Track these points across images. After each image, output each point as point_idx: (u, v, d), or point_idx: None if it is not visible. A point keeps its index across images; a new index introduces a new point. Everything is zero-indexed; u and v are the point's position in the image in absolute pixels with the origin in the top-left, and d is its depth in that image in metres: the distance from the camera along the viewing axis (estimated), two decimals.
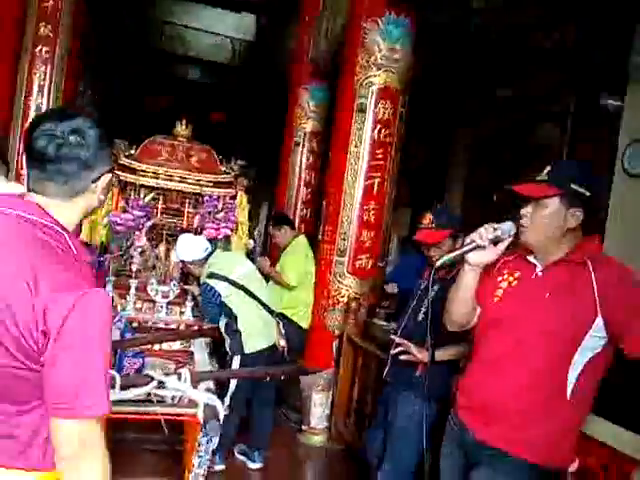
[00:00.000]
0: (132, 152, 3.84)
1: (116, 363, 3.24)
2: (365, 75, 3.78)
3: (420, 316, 2.31)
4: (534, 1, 3.65)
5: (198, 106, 8.85)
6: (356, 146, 3.80)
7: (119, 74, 8.01)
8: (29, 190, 1.06)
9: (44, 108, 5.08)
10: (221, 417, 2.14)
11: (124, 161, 3.76)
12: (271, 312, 3.15)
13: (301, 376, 3.71)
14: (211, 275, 2.97)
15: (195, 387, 2.20)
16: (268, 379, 3.09)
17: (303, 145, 5.68)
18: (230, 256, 3.22)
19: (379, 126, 3.79)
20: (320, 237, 4.02)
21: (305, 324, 3.92)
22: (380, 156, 3.82)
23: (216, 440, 2.98)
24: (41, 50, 5.05)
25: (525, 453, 1.54)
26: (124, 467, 2.82)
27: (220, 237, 3.61)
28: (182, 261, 3.25)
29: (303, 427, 3.64)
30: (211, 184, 3.95)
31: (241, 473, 3.09)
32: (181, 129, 4.12)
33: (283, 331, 3.22)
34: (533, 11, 3.70)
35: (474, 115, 5.94)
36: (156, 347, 3.45)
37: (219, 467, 3.02)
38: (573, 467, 1.63)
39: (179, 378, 2.15)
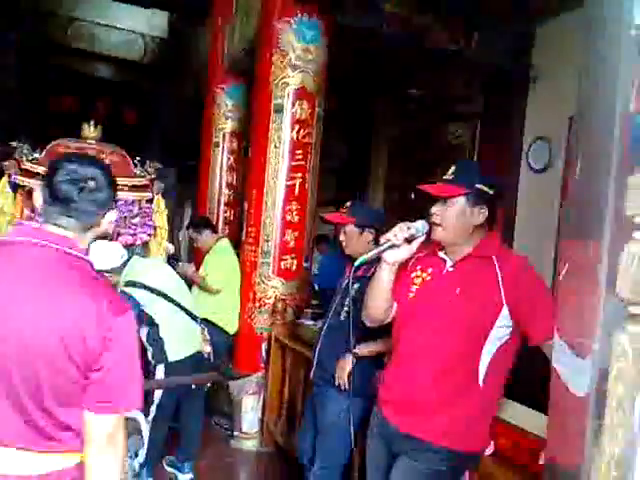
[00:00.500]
0: (36, 156, 3.61)
1: None
2: (281, 76, 3.78)
3: (343, 315, 2.35)
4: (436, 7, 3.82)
5: (109, 105, 8.48)
6: (276, 146, 3.79)
7: (18, 72, 7.47)
8: (46, 222, 1.25)
9: None
10: (144, 431, 2.06)
11: (27, 166, 3.53)
12: (194, 318, 3.08)
13: (230, 381, 3.67)
14: (128, 283, 2.85)
15: None
16: (195, 386, 3.02)
17: (223, 146, 5.60)
18: (148, 262, 3.10)
19: (297, 126, 3.81)
20: (243, 239, 3.98)
21: (231, 329, 3.86)
22: (300, 156, 3.83)
23: (142, 454, 2.90)
24: None
25: (444, 440, 1.61)
26: None
27: (137, 243, 3.47)
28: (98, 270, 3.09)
29: (235, 432, 3.60)
30: (126, 188, 3.78)
31: None
32: (89, 131, 3.92)
33: (208, 337, 3.16)
34: (438, 16, 3.87)
35: (390, 115, 6.12)
36: None
37: None
38: (489, 450, 1.73)
39: None
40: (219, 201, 5.58)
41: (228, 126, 5.57)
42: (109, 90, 8.40)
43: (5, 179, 3.40)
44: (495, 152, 4.46)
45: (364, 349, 2.26)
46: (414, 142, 5.73)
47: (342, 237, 2.45)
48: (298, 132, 3.82)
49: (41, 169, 3.57)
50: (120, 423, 1.24)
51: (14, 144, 3.52)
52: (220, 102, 5.59)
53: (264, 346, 3.66)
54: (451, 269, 1.70)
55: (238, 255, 4.04)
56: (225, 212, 5.56)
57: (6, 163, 3.45)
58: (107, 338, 1.18)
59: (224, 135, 5.59)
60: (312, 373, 2.49)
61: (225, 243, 4.10)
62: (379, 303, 1.80)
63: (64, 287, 1.20)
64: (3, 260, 1.21)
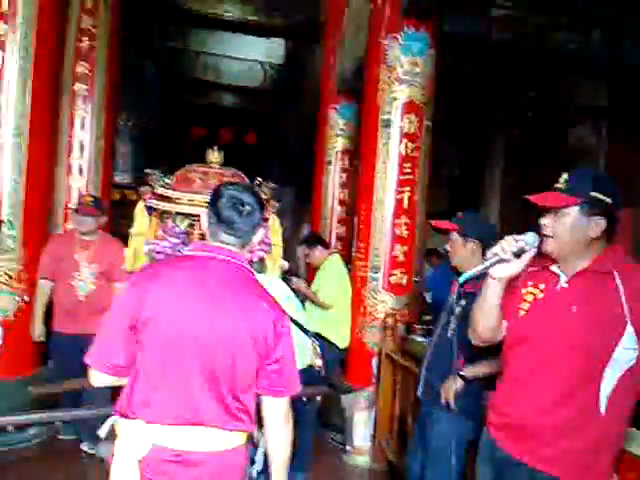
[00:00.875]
0: (168, 181, 3.98)
1: None
2: (389, 91, 3.80)
3: (449, 332, 2.28)
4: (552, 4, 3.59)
5: (233, 131, 9.11)
6: (384, 162, 3.81)
7: (157, 105, 8.33)
8: (214, 240, 1.50)
9: (87, 144, 5.35)
10: (256, 439, 2.15)
11: (160, 191, 3.90)
12: (306, 332, 3.16)
13: (342, 396, 3.70)
14: None
15: None
16: (305, 399, 3.09)
17: (335, 164, 5.73)
18: (263, 278, 3.24)
19: (405, 140, 3.79)
20: (354, 254, 4.03)
21: (341, 343, 3.91)
22: (409, 170, 3.81)
23: (259, 462, 3.02)
24: (80, 88, 5.32)
25: (555, 470, 1.49)
26: None
27: (255, 259, 3.67)
28: None
29: (347, 447, 3.62)
30: None
31: None
32: (213, 156, 4.24)
33: (319, 351, 3.22)
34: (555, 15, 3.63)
35: (506, 121, 5.84)
36: None
37: None
38: None
39: None
40: (332, 218, 5.71)
41: (339, 144, 5.70)
42: (232, 116, 9.02)
43: (141, 203, 3.79)
44: (625, 153, 4.05)
45: (471, 370, 2.17)
46: (533, 148, 5.41)
47: (448, 246, 2.39)
48: (406, 146, 3.80)
49: (171, 193, 3.95)
50: (289, 405, 1.53)
51: (148, 171, 3.94)
52: (332, 121, 5.75)
53: (375, 361, 3.65)
54: (565, 285, 1.58)
55: (349, 270, 4.10)
56: (338, 228, 5.67)
57: (141, 189, 3.86)
58: (280, 333, 1.45)
59: (336, 153, 5.73)
60: (419, 391, 2.43)
61: (336, 259, 4.18)
62: (486, 322, 1.72)
63: (247, 293, 1.47)
64: (193, 272, 1.45)
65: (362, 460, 3.54)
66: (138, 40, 7.15)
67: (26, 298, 3.45)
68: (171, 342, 1.38)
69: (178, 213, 3.89)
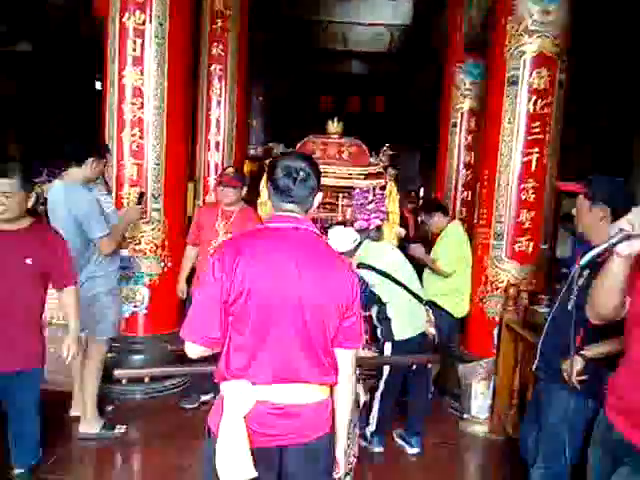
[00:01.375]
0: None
1: None
2: (516, 45, 3.52)
3: (570, 305, 2.12)
4: None
5: (361, 98, 9.10)
6: (510, 122, 3.57)
7: (287, 78, 8.60)
8: (278, 210, 1.60)
9: (222, 121, 5.75)
10: (361, 403, 2.24)
11: None
12: (420, 300, 3.16)
13: (460, 364, 3.65)
14: (360, 265, 3.08)
15: None
16: (420, 366, 3.11)
17: (460, 125, 5.49)
18: (378, 246, 3.29)
19: (534, 97, 3.51)
20: (475, 221, 3.87)
21: (457, 312, 3.83)
22: (537, 130, 3.53)
23: (373, 424, 3.13)
24: (215, 68, 5.71)
25: None
26: None
27: (371, 227, 3.71)
28: None
29: (464, 416, 3.58)
30: (362, 177, 4.08)
31: (399, 457, 3.18)
32: (333, 127, 4.33)
33: (433, 319, 3.20)
34: None
35: None
36: None
37: (377, 449, 3.15)
38: None
39: None
40: (457, 182, 5.51)
41: (466, 105, 5.45)
42: (360, 84, 9.00)
43: (265, 176, 4.01)
44: None
45: (592, 350, 2.01)
46: None
47: (573, 211, 2.21)
48: (535, 103, 3.51)
49: None
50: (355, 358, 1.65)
51: (270, 145, 4.15)
52: (458, 81, 5.49)
53: (495, 331, 3.52)
54: None
55: (471, 238, 3.96)
56: (462, 193, 5.46)
57: (267, 162, 4.08)
58: (354, 292, 1.58)
59: (461, 114, 5.48)
60: (535, 365, 2.32)
61: (456, 226, 4.06)
62: (607, 299, 1.58)
63: (326, 257, 1.59)
64: (278, 240, 1.55)
65: (479, 429, 3.48)
66: (267, 14, 7.41)
67: (169, 263, 3.89)
68: (267, 310, 1.49)
69: None
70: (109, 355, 3.36)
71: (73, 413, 3.32)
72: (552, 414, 2.16)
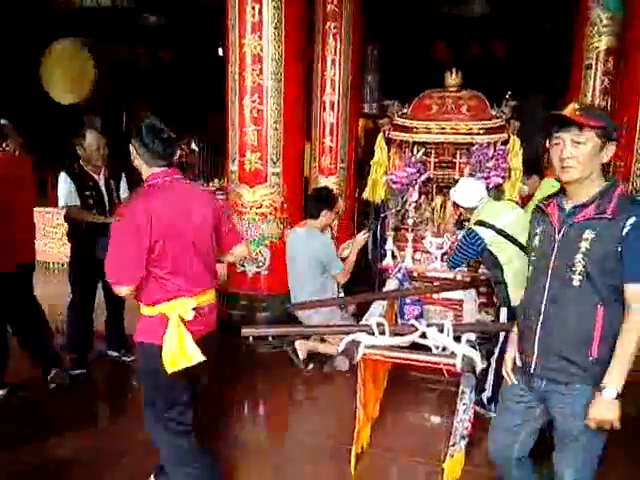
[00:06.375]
0: (405, 111, 4.06)
1: (398, 309, 3.64)
2: None
3: None
4: None
5: (480, 43, 8.50)
6: None
7: (400, 28, 8.27)
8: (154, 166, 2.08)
9: (336, 80, 5.75)
10: (478, 369, 2.23)
11: (398, 121, 4.01)
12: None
13: None
14: (478, 222, 2.96)
15: (459, 338, 2.34)
16: None
17: (595, 67, 4.95)
18: (499, 205, 3.14)
19: None
20: (610, 174, 3.53)
21: None
22: None
23: (489, 389, 3.09)
24: (330, 26, 5.67)
25: None
26: (407, 402, 3.23)
27: (490, 186, 3.55)
28: (456, 204, 3.25)
29: None
30: (482, 131, 3.87)
31: None
32: (451, 79, 4.12)
33: None
34: None
35: None
36: (434, 295, 3.72)
37: (494, 415, 3.11)
38: None
39: (441, 330, 2.31)
40: None
41: (603, 43, 4.89)
42: (479, 27, 8.40)
43: (381, 135, 3.97)
44: None
45: None
46: None
47: None
48: None
49: (409, 123, 4.02)
50: None
51: (386, 102, 4.07)
52: (593, 17, 4.92)
53: None
54: None
55: None
56: None
57: (381, 121, 4.03)
58: (219, 210, 2.20)
59: (598, 54, 4.94)
60: None
61: (550, 180, 3.68)
62: None
63: (195, 194, 2.14)
64: (166, 192, 2.04)
65: None
66: None
67: (288, 225, 4.08)
68: (176, 244, 2.00)
69: (415, 142, 3.97)
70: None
71: None
72: None
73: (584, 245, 1.60)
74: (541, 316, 1.69)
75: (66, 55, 7.84)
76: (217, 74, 4.89)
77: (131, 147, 2.04)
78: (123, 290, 1.96)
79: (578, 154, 1.60)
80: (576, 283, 1.61)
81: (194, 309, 2.02)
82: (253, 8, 3.78)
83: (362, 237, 3.80)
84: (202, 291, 2.09)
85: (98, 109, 8.99)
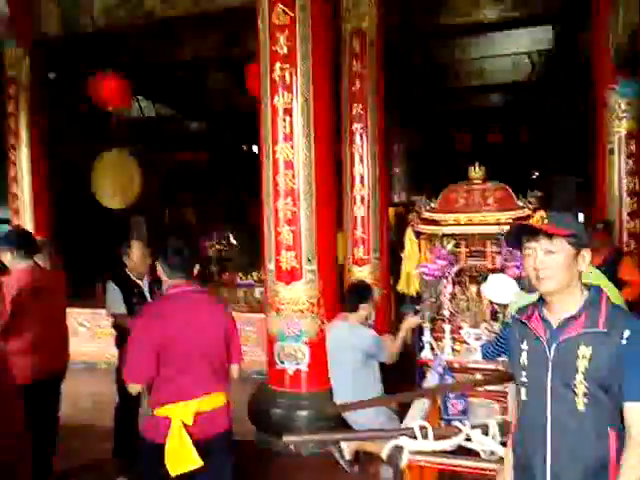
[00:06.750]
0: (432, 205, 4.21)
1: (441, 404, 3.56)
2: None
3: None
4: None
5: (502, 130, 8.82)
6: None
7: (423, 122, 8.70)
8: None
9: (365, 175, 6.02)
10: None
11: (426, 215, 4.15)
12: None
13: None
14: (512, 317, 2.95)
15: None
16: None
17: (619, 150, 5.07)
18: (531, 298, 3.13)
19: None
20: None
21: None
22: None
23: None
24: (356, 127, 6.03)
25: None
26: None
27: (524, 275, 3.57)
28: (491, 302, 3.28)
29: None
30: (510, 221, 3.95)
31: None
32: (475, 172, 4.28)
33: None
34: None
35: None
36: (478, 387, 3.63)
37: None
38: None
39: (486, 432, 2.25)
40: (620, 212, 5.04)
41: (623, 128, 5.03)
42: (500, 116, 8.75)
43: (410, 229, 4.10)
44: None
45: None
46: None
47: None
48: None
49: (436, 216, 4.15)
50: None
51: (414, 198, 4.23)
52: (611, 103, 5.10)
53: None
54: None
55: None
56: (629, 223, 4.98)
57: (410, 216, 4.18)
58: (230, 324, 2.44)
59: (619, 138, 5.07)
60: None
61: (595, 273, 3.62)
62: None
63: (208, 306, 2.41)
64: (179, 304, 2.35)
65: None
66: (401, 66, 7.65)
67: (325, 321, 4.15)
68: (184, 349, 2.21)
69: (444, 235, 4.07)
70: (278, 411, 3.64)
71: None
72: None
73: (582, 364, 1.47)
74: (548, 447, 1.53)
75: (115, 163, 8.49)
76: (253, 171, 5.22)
77: (157, 264, 2.39)
78: (132, 388, 2.22)
79: (552, 264, 1.53)
80: (581, 407, 1.47)
81: (197, 413, 2.19)
82: (284, 120, 4.10)
83: (414, 318, 3.79)
84: (207, 394, 2.26)
85: (143, 209, 9.57)
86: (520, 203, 3.97)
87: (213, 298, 2.56)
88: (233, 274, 8.39)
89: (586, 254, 1.57)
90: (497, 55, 8.58)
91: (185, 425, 2.15)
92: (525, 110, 8.44)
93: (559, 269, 1.53)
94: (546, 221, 1.59)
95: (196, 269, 2.46)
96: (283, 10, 3.94)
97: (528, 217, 3.89)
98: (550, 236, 1.54)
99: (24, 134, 6.61)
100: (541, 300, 1.65)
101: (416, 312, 3.98)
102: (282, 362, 4.22)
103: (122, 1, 6.01)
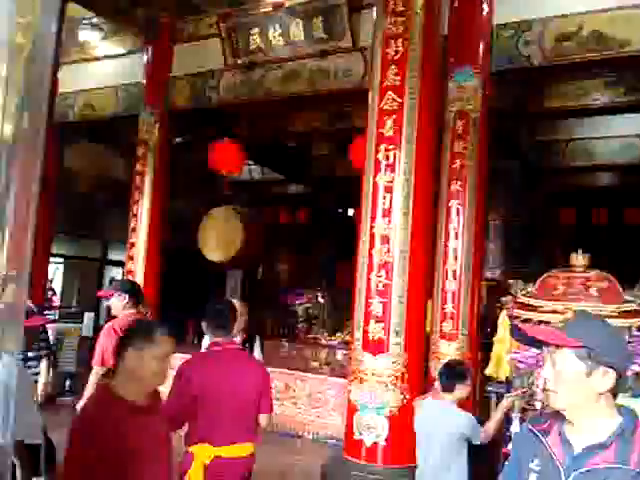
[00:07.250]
0: (530, 290, 4.12)
1: None
2: None
3: None
4: None
5: (609, 212, 8.44)
6: None
7: (524, 200, 8.57)
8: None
9: (459, 250, 6.00)
10: None
11: (523, 299, 4.07)
12: None
13: None
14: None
15: None
16: None
17: None
18: (636, 403, 2.94)
19: None
20: None
21: None
22: None
23: None
24: (453, 204, 6.07)
25: None
26: None
27: (628, 374, 3.36)
28: None
29: None
30: (615, 314, 3.77)
31: None
32: (576, 260, 4.16)
33: None
34: None
35: None
36: None
37: None
38: None
39: None
40: None
41: None
42: (605, 197, 8.42)
43: (504, 312, 4.03)
44: None
45: None
46: None
47: None
48: None
49: (534, 302, 4.04)
50: None
51: (510, 282, 4.18)
52: None
53: None
54: None
55: None
56: None
57: (504, 299, 4.11)
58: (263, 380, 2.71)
59: None
60: None
61: None
62: None
63: (245, 363, 2.79)
64: (216, 358, 2.68)
65: None
66: (506, 144, 7.68)
67: (407, 395, 4.10)
68: (216, 399, 2.47)
69: (540, 321, 3.95)
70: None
71: None
72: None
73: None
74: None
75: (221, 218, 9.14)
76: (347, 234, 5.43)
77: (202, 323, 2.72)
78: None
79: (556, 378, 1.29)
80: None
81: (218, 457, 2.45)
82: (384, 197, 4.28)
83: (510, 398, 3.60)
84: (230, 443, 2.49)
85: (240, 263, 10.13)
86: (628, 297, 3.79)
87: (253, 357, 3.12)
88: (318, 334, 8.50)
89: (605, 373, 1.26)
90: (606, 137, 8.36)
91: (205, 467, 2.44)
92: (636, 192, 8.06)
93: (565, 387, 1.28)
94: (561, 324, 1.40)
95: (236, 329, 2.84)
96: (393, 98, 4.21)
97: (637, 312, 3.69)
98: (558, 345, 1.30)
99: (147, 190, 7.38)
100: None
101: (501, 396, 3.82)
102: (360, 433, 4.20)
103: (245, 80, 6.71)
